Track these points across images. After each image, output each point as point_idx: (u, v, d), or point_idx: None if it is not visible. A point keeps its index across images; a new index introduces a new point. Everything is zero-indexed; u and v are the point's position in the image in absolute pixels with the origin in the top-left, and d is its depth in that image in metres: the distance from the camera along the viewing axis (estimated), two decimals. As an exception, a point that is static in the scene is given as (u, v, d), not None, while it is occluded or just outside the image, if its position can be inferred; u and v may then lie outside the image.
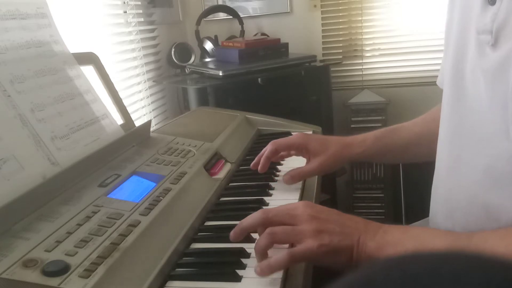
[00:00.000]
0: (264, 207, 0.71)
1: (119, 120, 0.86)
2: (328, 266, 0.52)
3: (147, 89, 1.61)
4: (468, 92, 0.55)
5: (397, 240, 0.51)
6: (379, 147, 0.80)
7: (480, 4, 0.51)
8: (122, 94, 1.05)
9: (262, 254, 0.52)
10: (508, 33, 0.47)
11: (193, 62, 1.78)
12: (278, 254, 0.50)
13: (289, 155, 0.83)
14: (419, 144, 0.79)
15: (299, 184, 0.79)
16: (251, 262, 0.54)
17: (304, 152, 0.81)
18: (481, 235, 0.48)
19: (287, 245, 0.55)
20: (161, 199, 0.63)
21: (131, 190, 0.65)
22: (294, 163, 0.85)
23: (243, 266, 0.53)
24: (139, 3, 1.60)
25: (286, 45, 1.67)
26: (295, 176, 0.77)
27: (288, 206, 0.56)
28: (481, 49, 0.51)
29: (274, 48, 1.64)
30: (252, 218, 0.55)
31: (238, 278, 0.51)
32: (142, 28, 1.61)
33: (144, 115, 1.58)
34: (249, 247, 0.56)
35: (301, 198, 0.75)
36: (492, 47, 0.49)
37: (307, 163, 0.81)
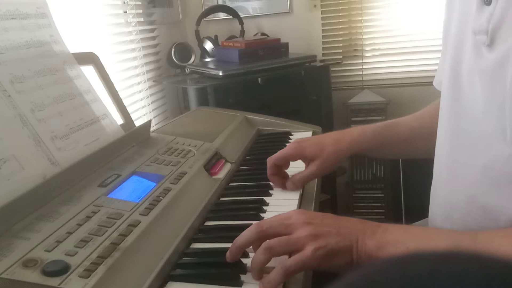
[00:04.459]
0: (264, 207, 0.71)
1: (119, 120, 0.86)
2: (329, 270, 0.51)
3: (147, 89, 1.61)
4: (465, 93, 0.55)
5: (398, 239, 0.51)
6: (377, 141, 0.80)
7: (476, 5, 0.51)
8: (122, 94, 1.05)
9: (260, 270, 0.50)
10: (504, 33, 0.47)
11: (193, 62, 1.78)
12: (273, 270, 0.49)
13: (288, 166, 0.82)
14: (417, 139, 0.78)
15: (299, 184, 0.79)
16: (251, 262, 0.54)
17: (303, 159, 0.81)
18: (486, 235, 0.48)
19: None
20: (161, 199, 0.63)
21: (131, 190, 0.65)
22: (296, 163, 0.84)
23: (243, 266, 0.53)
24: (139, 3, 1.60)
25: (286, 45, 1.67)
26: (296, 183, 0.76)
27: (281, 216, 0.55)
28: (477, 50, 0.51)
29: (274, 48, 1.63)
30: (247, 234, 0.53)
31: (238, 279, 0.51)
32: (142, 28, 1.61)
33: (144, 115, 1.58)
34: (249, 248, 0.56)
35: (301, 198, 0.75)
36: (488, 48, 0.49)
37: (306, 167, 0.81)
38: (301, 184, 0.77)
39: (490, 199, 0.51)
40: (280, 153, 0.79)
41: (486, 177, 0.51)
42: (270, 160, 0.78)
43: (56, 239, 0.50)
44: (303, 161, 0.81)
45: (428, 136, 0.67)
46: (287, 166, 0.82)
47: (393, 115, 1.89)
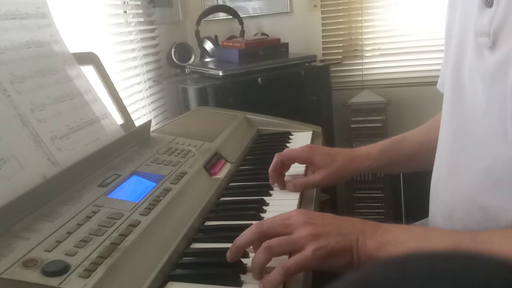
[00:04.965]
0: (264, 207, 0.71)
1: (119, 120, 0.86)
2: (329, 270, 0.51)
3: (147, 89, 1.61)
4: (467, 94, 0.55)
5: (398, 239, 0.51)
6: (385, 160, 0.80)
7: (478, 7, 0.51)
8: (122, 94, 1.05)
9: (260, 270, 0.50)
10: (506, 35, 0.47)
11: (193, 62, 1.78)
12: (274, 270, 0.49)
13: (289, 167, 0.82)
14: (423, 153, 0.78)
15: (299, 184, 0.79)
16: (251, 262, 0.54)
17: (310, 165, 0.81)
18: (486, 235, 0.48)
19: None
20: (161, 199, 0.63)
21: (131, 190, 0.65)
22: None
23: (243, 266, 0.53)
24: (139, 3, 1.60)
25: (286, 45, 1.67)
26: (298, 186, 0.76)
27: (281, 216, 0.55)
28: (479, 52, 0.51)
29: (274, 48, 1.64)
30: (247, 234, 0.53)
31: (238, 279, 0.51)
32: (142, 28, 1.61)
33: (144, 115, 1.58)
34: (249, 248, 0.56)
35: (301, 198, 0.75)
36: (490, 50, 0.49)
37: (310, 172, 0.80)
38: (302, 188, 0.77)
39: (491, 200, 0.51)
40: (290, 153, 0.79)
41: (487, 178, 0.51)
42: (279, 156, 0.78)
43: (56, 239, 0.50)
44: (310, 166, 0.81)
45: (434, 149, 0.67)
46: (289, 167, 0.82)
47: (393, 115, 1.90)
